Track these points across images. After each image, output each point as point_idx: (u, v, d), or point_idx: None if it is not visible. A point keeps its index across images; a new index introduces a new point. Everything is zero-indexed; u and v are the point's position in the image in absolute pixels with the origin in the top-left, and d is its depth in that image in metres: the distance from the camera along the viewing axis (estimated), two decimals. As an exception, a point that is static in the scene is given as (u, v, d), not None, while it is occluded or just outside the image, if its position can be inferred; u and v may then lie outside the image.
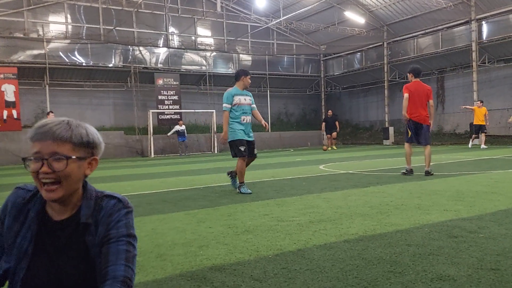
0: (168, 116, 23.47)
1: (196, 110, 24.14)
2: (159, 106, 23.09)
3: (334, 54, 29.34)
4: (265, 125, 6.96)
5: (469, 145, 17.57)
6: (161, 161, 17.68)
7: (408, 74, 8.37)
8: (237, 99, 6.74)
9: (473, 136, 17.46)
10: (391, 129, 24.34)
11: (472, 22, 20.45)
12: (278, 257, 3.08)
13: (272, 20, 25.87)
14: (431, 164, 8.01)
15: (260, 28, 26.61)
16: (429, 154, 7.90)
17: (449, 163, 10.32)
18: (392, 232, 3.68)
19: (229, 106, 6.69)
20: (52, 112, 16.09)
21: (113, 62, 23.99)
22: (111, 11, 23.50)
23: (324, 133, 22.06)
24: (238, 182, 6.64)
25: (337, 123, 21.00)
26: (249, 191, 6.48)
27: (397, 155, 14.54)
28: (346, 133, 28.95)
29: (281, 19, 24.51)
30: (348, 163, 11.75)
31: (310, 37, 28.60)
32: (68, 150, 1.31)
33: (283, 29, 27.75)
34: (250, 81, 7.00)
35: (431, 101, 8.00)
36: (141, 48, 24.67)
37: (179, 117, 23.53)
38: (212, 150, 23.47)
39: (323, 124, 21.57)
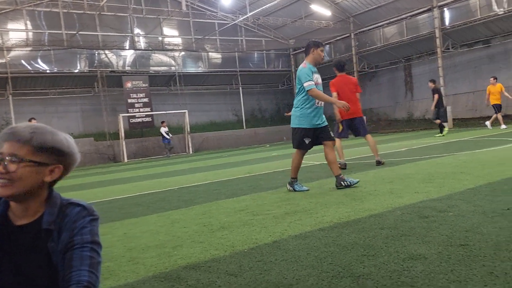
0: (139, 119, 23.15)
1: (168, 112, 23.88)
2: (129, 109, 22.73)
3: (303, 47, 29.38)
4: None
5: (501, 127, 15.01)
6: (134, 165, 17.42)
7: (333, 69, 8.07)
8: (314, 77, 5.57)
9: (495, 116, 15.27)
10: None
11: (434, 9, 20.90)
12: (253, 251, 3.06)
13: (239, 16, 25.79)
14: (379, 153, 7.82)
15: (228, 25, 26.50)
16: (373, 144, 7.76)
17: (420, 148, 10.53)
18: (366, 217, 3.71)
19: (313, 83, 5.50)
20: (34, 119, 15.61)
21: (78, 67, 23.46)
22: (73, 16, 22.95)
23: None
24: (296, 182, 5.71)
25: None
26: (306, 188, 5.65)
27: (366, 144, 14.72)
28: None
29: (248, 15, 24.47)
30: (320, 154, 11.82)
31: (279, 32, 28.67)
32: (26, 153, 1.33)
33: (251, 25, 27.73)
34: (323, 55, 5.90)
35: (357, 94, 7.85)
36: (106, 51, 24.20)
37: (151, 120, 23.23)
38: (187, 150, 23.28)
39: (289, 113, 20.55)
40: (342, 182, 5.46)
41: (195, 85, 27.08)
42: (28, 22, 22.26)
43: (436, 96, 14.21)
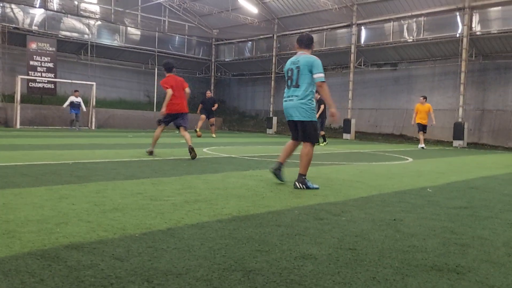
0: (40, 85, 21.30)
1: (74, 81, 22.27)
2: (30, 72, 20.80)
3: (226, 40, 29.39)
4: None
5: (419, 146, 15.46)
6: (28, 133, 15.98)
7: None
8: None
9: (421, 134, 15.50)
10: (274, 119, 25.28)
11: (353, 26, 22.07)
12: (145, 236, 2.91)
13: (165, -4, 24.95)
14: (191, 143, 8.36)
15: (152, 3, 25.47)
16: (189, 137, 8.45)
17: (323, 154, 11.02)
18: (265, 213, 3.74)
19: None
20: None
21: (-24, 17, 20.97)
22: (-23, -42, 20.44)
23: (202, 116, 17.81)
24: (304, 178, 5.24)
25: (216, 105, 17.96)
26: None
27: (278, 143, 15.14)
28: (233, 120, 29.33)
29: (174, -3, 23.74)
30: (232, 148, 11.87)
31: (203, 20, 28.24)
32: None
33: (176, 7, 26.95)
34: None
35: (187, 89, 8.77)
36: (13, 5, 21.90)
37: (53, 87, 21.50)
38: (89, 125, 21.95)
39: (200, 106, 18.12)
40: (300, 185, 5.16)
41: (108, 58, 25.64)
42: None
43: (322, 106, 14.67)
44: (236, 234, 3.02)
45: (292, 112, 5.31)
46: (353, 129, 21.33)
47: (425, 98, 15.52)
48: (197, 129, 16.77)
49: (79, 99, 19.63)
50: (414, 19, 20.23)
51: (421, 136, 15.53)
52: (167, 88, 8.45)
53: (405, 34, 20.75)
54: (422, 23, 19.96)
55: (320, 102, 14.70)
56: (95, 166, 6.59)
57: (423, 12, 19.70)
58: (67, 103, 19.55)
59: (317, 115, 14.55)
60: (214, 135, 17.94)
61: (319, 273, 2.31)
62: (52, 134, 15.44)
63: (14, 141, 11.28)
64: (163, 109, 8.52)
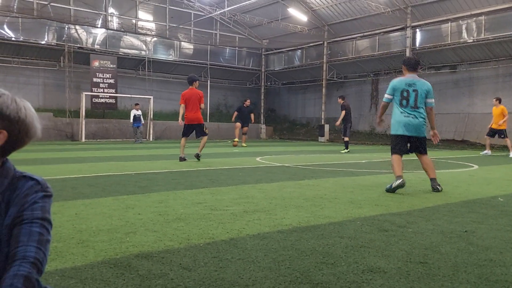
0: (102, 100, 22.39)
1: (133, 96, 23.24)
2: (93, 88, 21.94)
3: (275, 49, 29.53)
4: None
5: (482, 152, 14.21)
6: (92, 145, 16.83)
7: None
8: None
9: (487, 139, 14.11)
10: (326, 127, 24.97)
11: (408, 28, 21.44)
12: (209, 246, 2.95)
13: (216, 10, 25.48)
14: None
15: (204, 17, 26.13)
16: (203, 143, 10.05)
17: (380, 162, 10.73)
18: (326, 224, 3.68)
19: None
20: None
21: (45, 39, 22.41)
22: (46, -15, 21.96)
23: (236, 124, 18.08)
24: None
25: (252, 115, 17.90)
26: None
27: (331, 151, 14.93)
28: (283, 128, 29.32)
29: (225, 10, 24.21)
30: (284, 157, 11.85)
31: (253, 31, 28.57)
32: None
33: (227, 20, 27.46)
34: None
35: (202, 105, 9.76)
36: (77, 27, 23.25)
37: (114, 102, 22.54)
38: (147, 137, 22.77)
39: (235, 113, 18.20)
40: (439, 187, 5.73)
41: (164, 72, 26.54)
42: (-2, -14, 21.10)
43: (343, 112, 14.22)
44: (299, 246, 2.99)
45: (418, 129, 5.88)
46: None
47: (498, 100, 13.89)
48: (235, 140, 17.46)
49: (139, 112, 20.42)
50: (474, 19, 19.30)
51: (487, 141, 14.16)
52: (181, 103, 9.83)
53: (464, 34, 19.85)
54: (483, 22, 18.99)
55: (342, 107, 14.36)
56: (156, 177, 6.80)
57: (484, 10, 18.75)
58: (131, 117, 20.35)
59: (338, 122, 14.35)
60: (244, 144, 17.72)
61: (390, 287, 2.23)
62: (114, 146, 16.16)
63: (81, 154, 11.90)
64: (180, 122, 9.88)
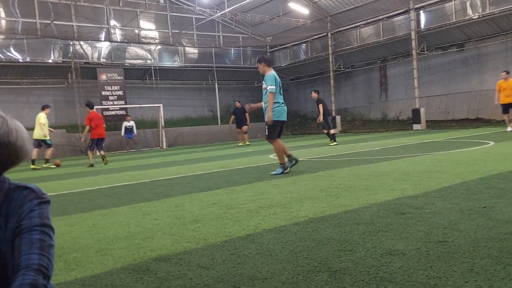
0: (113, 112, 22.63)
1: (142, 105, 23.43)
2: (103, 102, 22.19)
3: (280, 45, 29.46)
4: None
5: (508, 129, 13.45)
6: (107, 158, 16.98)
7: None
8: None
9: (506, 116, 13.52)
10: (338, 118, 24.82)
11: (411, 11, 21.17)
12: (226, 244, 2.96)
13: (216, 12, 25.52)
14: None
15: (205, 20, 26.18)
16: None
17: (394, 147, 10.62)
18: (342, 212, 3.66)
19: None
20: None
21: (52, 57, 22.73)
22: (48, 5, 22.20)
23: (234, 127, 18.87)
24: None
25: (247, 115, 18.17)
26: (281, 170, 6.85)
27: (345, 142, 14.85)
28: (295, 124, 29.22)
29: (225, 11, 24.23)
30: (298, 151, 11.80)
31: (256, 29, 28.54)
32: None
33: (228, 21, 27.49)
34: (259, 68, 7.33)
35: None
36: (81, 42, 23.53)
37: (125, 113, 22.74)
38: (161, 145, 22.93)
39: (232, 117, 18.79)
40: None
41: (171, 79, 26.68)
42: (1, 10, 21.41)
43: (320, 106, 14.03)
44: (316, 236, 2.98)
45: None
46: (423, 118, 20.37)
47: (507, 73, 13.40)
48: (245, 142, 18.11)
49: (131, 123, 20.96)
50: (477, -6, 19.01)
51: (506, 118, 13.53)
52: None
53: (469, 11, 19.53)
54: (487, -4, 18.70)
55: (318, 102, 14.30)
56: (171, 182, 6.84)
57: (486, -15, 18.45)
58: (123, 130, 20.85)
59: (321, 117, 14.19)
60: (247, 143, 18.37)
61: (409, 268, 2.20)
62: (127, 157, 16.31)
63: (96, 167, 12.03)
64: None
